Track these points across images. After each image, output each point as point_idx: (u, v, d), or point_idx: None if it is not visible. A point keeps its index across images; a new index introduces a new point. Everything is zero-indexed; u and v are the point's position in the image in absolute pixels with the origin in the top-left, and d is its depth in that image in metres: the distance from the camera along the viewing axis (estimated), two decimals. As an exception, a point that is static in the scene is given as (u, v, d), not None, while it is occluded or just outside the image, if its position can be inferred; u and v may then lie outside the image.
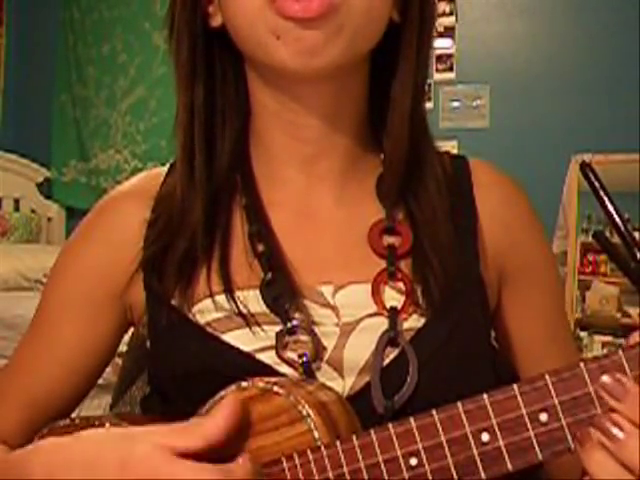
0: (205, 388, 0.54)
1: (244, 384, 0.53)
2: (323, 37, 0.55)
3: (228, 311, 0.61)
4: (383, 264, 0.62)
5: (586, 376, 0.43)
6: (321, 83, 0.60)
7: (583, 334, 2.54)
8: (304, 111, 0.62)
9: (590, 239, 2.49)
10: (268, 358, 0.58)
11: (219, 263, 0.63)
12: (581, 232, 2.56)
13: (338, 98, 0.62)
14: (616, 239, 0.58)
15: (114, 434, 0.52)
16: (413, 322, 0.60)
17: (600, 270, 2.63)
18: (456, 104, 3.14)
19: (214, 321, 0.61)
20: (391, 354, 0.58)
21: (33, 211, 3.70)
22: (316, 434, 0.50)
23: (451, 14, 3.12)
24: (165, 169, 0.70)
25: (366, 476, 0.48)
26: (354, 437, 0.48)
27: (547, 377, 0.44)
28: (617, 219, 0.56)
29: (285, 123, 0.63)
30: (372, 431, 0.48)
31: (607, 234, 0.59)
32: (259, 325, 0.60)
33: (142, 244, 0.65)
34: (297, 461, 0.50)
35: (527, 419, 0.44)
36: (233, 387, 0.53)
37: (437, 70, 3.14)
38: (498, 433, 0.45)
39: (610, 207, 0.56)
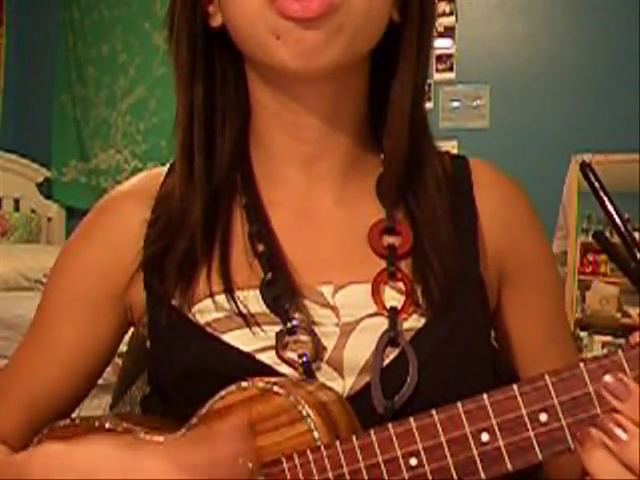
0: (205, 388, 0.54)
1: (244, 384, 0.53)
2: (323, 37, 0.55)
3: (228, 311, 0.61)
4: (383, 264, 0.62)
5: (586, 376, 0.43)
6: (321, 83, 0.60)
7: (583, 334, 2.54)
8: (304, 111, 0.62)
9: (590, 239, 2.49)
10: (268, 358, 0.58)
11: (219, 263, 0.63)
12: (581, 232, 2.56)
13: (338, 98, 0.62)
14: (616, 239, 0.58)
15: (118, 444, 0.52)
16: (413, 322, 0.60)
17: (600, 270, 2.63)
18: (456, 104, 3.14)
19: (214, 321, 0.61)
20: (391, 354, 0.58)
21: (33, 211, 3.70)
22: (316, 434, 0.50)
23: (451, 14, 3.12)
24: (165, 169, 0.70)
25: (366, 476, 0.48)
26: (354, 437, 0.48)
27: (547, 377, 0.44)
28: (617, 219, 0.56)
29: (285, 123, 0.63)
30: (372, 431, 0.48)
31: (607, 234, 0.59)
32: (259, 325, 0.60)
33: (142, 244, 0.65)
34: (297, 461, 0.50)
35: (527, 419, 0.44)
36: (233, 387, 0.53)
37: (437, 70, 3.13)
38: (498, 433, 0.45)
39: (610, 207, 0.56)
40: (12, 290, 2.79)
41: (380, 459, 0.47)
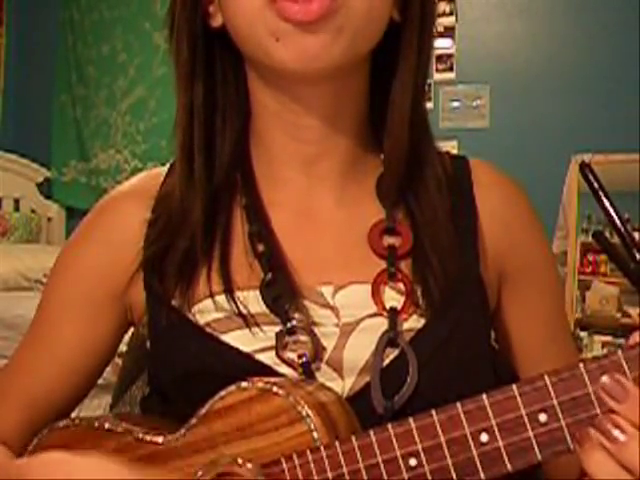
0: (205, 388, 0.54)
1: (244, 384, 0.53)
2: (323, 40, 0.54)
3: (228, 311, 0.61)
4: (383, 264, 0.62)
5: (585, 376, 0.43)
6: (321, 84, 0.60)
7: (583, 334, 2.54)
8: (304, 112, 0.62)
9: (590, 239, 2.49)
10: (268, 358, 0.58)
11: (219, 263, 0.63)
12: (581, 232, 2.56)
13: (338, 98, 0.62)
14: (616, 239, 0.58)
15: (119, 460, 0.53)
16: (413, 323, 0.60)
17: (600, 270, 2.63)
18: (456, 104, 3.14)
19: (214, 321, 0.61)
20: (391, 354, 0.58)
21: (33, 211, 3.70)
22: (315, 435, 0.50)
23: (451, 14, 3.12)
24: (165, 169, 0.70)
25: (365, 477, 0.47)
26: (353, 438, 0.48)
27: (546, 377, 0.44)
28: (616, 220, 0.56)
29: (285, 124, 0.63)
30: (371, 432, 0.48)
31: (607, 234, 0.59)
32: (259, 325, 0.60)
33: (142, 244, 0.65)
34: (296, 462, 0.49)
35: (526, 419, 0.44)
36: (233, 387, 0.53)
37: (437, 70, 3.14)
38: (497, 433, 0.45)
39: (609, 207, 0.56)
40: (12, 290, 2.79)
41: (380, 459, 0.47)
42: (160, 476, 0.54)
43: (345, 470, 0.48)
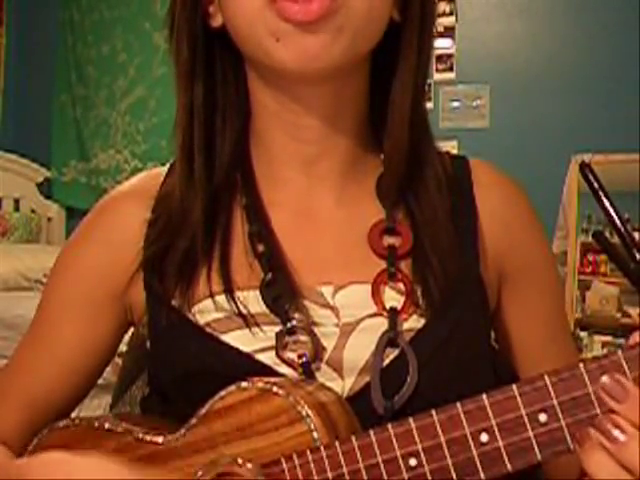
0: (205, 388, 0.54)
1: (244, 384, 0.53)
2: (323, 40, 0.54)
3: (228, 311, 0.61)
4: (383, 264, 0.62)
5: (585, 376, 0.43)
6: (321, 84, 0.60)
7: (583, 334, 2.54)
8: (304, 112, 0.62)
9: (590, 239, 2.49)
10: (268, 358, 0.58)
11: (219, 263, 0.63)
12: (581, 232, 2.56)
13: (338, 98, 0.62)
14: (616, 239, 0.58)
15: (119, 460, 0.53)
16: (413, 323, 0.60)
17: (600, 270, 2.63)
18: (456, 104, 3.14)
19: (214, 321, 0.61)
20: (391, 355, 0.58)
21: (33, 211, 3.70)
22: (315, 435, 0.50)
23: (451, 14, 3.12)
24: (165, 169, 0.70)
25: (365, 477, 0.47)
26: (353, 438, 0.48)
27: (546, 377, 0.44)
28: (616, 220, 0.56)
29: (285, 124, 0.63)
30: (371, 432, 0.48)
31: (607, 234, 0.59)
32: (259, 325, 0.60)
33: (142, 244, 0.65)
34: (296, 462, 0.49)
35: (526, 419, 0.44)
36: (233, 387, 0.53)
37: (437, 70, 3.14)
38: (497, 433, 0.45)
39: (609, 208, 0.56)
40: (12, 290, 2.79)
41: (380, 459, 0.47)
42: (160, 476, 0.54)
43: (345, 470, 0.48)
